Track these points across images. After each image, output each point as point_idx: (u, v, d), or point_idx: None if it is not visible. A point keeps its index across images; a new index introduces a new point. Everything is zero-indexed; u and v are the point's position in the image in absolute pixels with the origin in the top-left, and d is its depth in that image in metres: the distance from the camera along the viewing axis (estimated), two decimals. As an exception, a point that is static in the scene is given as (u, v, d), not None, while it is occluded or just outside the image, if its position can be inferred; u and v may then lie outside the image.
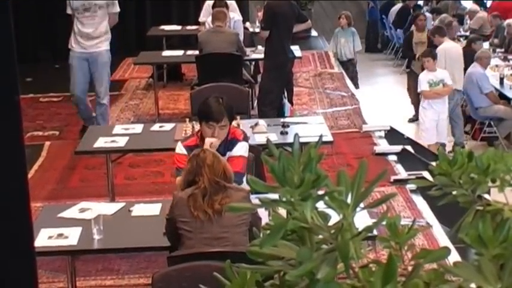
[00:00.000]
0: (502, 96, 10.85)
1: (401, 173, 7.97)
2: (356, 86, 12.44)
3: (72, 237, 4.73)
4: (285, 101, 9.64)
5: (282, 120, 7.10)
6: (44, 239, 4.68)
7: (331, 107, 10.73)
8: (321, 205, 1.24)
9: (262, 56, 9.61)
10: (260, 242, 1.23)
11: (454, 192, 1.36)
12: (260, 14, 11.90)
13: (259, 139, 6.37)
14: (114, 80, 11.64)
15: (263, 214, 4.41)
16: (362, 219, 1.34)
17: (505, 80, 11.11)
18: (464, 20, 16.07)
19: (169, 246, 4.56)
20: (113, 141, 6.63)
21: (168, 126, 7.03)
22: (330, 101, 11.11)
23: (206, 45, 9.36)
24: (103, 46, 8.71)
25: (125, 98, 11.30)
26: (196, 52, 9.75)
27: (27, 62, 11.90)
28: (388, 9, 17.55)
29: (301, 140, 1.29)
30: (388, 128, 9.54)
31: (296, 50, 9.97)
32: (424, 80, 9.67)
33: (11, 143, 1.32)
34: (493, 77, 11.15)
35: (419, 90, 9.87)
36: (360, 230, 1.23)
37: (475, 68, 10.53)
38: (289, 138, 6.52)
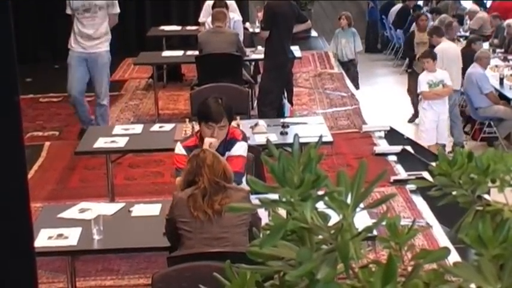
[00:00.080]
0: (502, 97, 10.85)
1: (401, 173, 7.97)
2: (356, 86, 12.44)
3: (72, 237, 4.73)
4: (285, 101, 9.65)
5: (281, 120, 7.10)
6: (43, 239, 4.68)
7: (331, 107, 10.73)
8: (320, 205, 1.24)
9: (262, 56, 9.61)
10: (260, 242, 1.23)
11: (454, 193, 1.36)
12: (260, 14, 11.91)
13: (259, 139, 6.37)
14: (114, 81, 11.65)
15: (263, 214, 4.41)
16: (362, 220, 1.34)
17: (504, 80, 11.11)
18: (464, 21, 16.07)
19: (169, 246, 4.56)
20: (112, 141, 6.63)
21: (168, 127, 7.03)
22: (330, 101, 11.11)
23: (206, 45, 9.36)
24: (103, 47, 8.70)
25: (125, 98, 11.30)
26: (196, 52, 9.75)
27: (27, 62, 11.90)
28: (388, 10, 17.56)
29: (301, 140, 1.29)
30: (388, 129, 9.54)
31: (296, 50, 9.97)
32: (424, 80, 9.67)
33: (11, 143, 1.32)
34: (493, 77, 11.15)
35: (418, 91, 9.87)
36: (359, 230, 1.23)
37: (474, 68, 10.54)
38: (289, 139, 6.52)
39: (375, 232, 1.35)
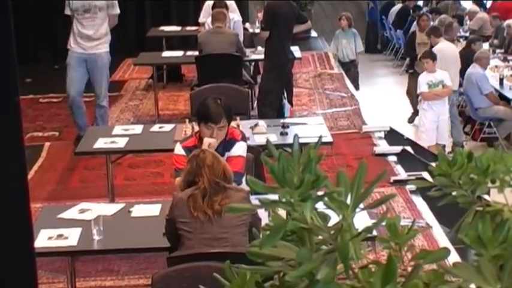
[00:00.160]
0: (502, 97, 10.85)
1: (401, 173, 7.97)
2: (356, 87, 12.45)
3: (72, 237, 4.73)
4: (285, 101, 9.65)
5: (281, 121, 7.10)
6: (43, 239, 4.68)
7: (331, 108, 10.73)
8: (320, 206, 1.24)
9: (262, 56, 9.62)
10: (260, 243, 1.23)
11: (454, 193, 1.36)
12: (260, 14, 11.91)
13: (259, 140, 6.37)
14: (114, 81, 11.66)
15: (263, 215, 4.41)
16: (362, 220, 1.34)
17: (504, 81, 11.11)
18: (464, 21, 16.07)
19: (169, 246, 4.56)
20: (112, 142, 6.63)
21: (167, 127, 7.03)
22: (330, 101, 11.11)
23: (206, 46, 9.37)
24: (103, 48, 8.68)
25: (125, 98, 11.30)
26: (196, 53, 9.75)
27: (27, 62, 11.90)
28: (388, 10, 17.56)
29: (301, 140, 1.29)
30: (388, 129, 9.54)
31: (296, 50, 9.97)
32: (423, 81, 9.67)
33: (11, 144, 1.32)
34: (493, 77, 11.15)
35: (418, 91, 9.87)
36: (359, 230, 1.23)
37: (474, 68, 10.54)
38: (289, 139, 6.52)
39: (374, 232, 1.35)
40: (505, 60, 12.72)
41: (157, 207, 5.16)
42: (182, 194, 4.44)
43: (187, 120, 6.78)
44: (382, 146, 8.93)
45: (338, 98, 11.29)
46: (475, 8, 16.59)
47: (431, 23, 13.09)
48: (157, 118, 9.94)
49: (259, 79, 10.18)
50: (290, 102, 10.14)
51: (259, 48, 10.20)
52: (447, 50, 10.34)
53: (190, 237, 4.38)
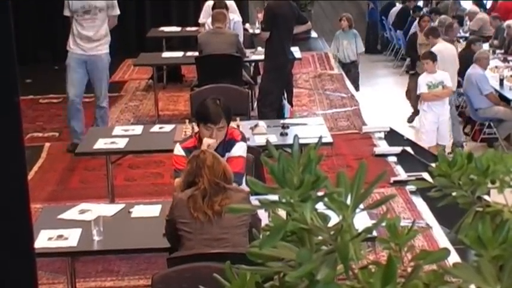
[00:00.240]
0: (502, 98, 10.85)
1: (401, 174, 7.97)
2: (357, 88, 12.45)
3: (72, 238, 4.73)
4: (285, 102, 9.65)
5: (281, 121, 7.10)
6: (43, 240, 4.68)
7: (331, 108, 10.74)
8: (320, 206, 1.24)
9: (262, 57, 9.62)
10: (260, 243, 1.23)
11: (454, 194, 1.36)
12: (260, 15, 11.91)
13: (259, 140, 6.37)
14: (114, 82, 11.66)
15: (263, 215, 4.41)
16: (362, 221, 1.34)
17: (504, 81, 11.11)
18: (464, 21, 16.07)
19: (169, 247, 4.56)
20: (112, 142, 6.63)
21: (167, 128, 7.03)
22: (330, 102, 11.11)
23: (206, 46, 9.37)
24: (103, 49, 8.66)
25: (125, 99, 11.30)
26: (196, 53, 9.76)
27: (27, 63, 11.91)
28: (388, 11, 17.56)
29: (301, 141, 1.29)
30: (388, 129, 9.54)
31: (296, 51, 9.97)
32: (423, 82, 9.66)
33: (11, 144, 1.32)
34: (493, 78, 11.15)
35: (418, 92, 9.87)
36: (359, 231, 1.23)
37: (474, 69, 10.54)
38: (289, 140, 6.52)
39: (374, 233, 1.35)
40: (505, 60, 12.72)
41: (157, 207, 5.16)
42: (182, 194, 4.44)
43: (187, 121, 6.78)
44: (382, 147, 8.94)
45: (338, 98, 11.29)
46: (475, 8, 16.60)
47: (432, 24, 13.10)
48: (157, 119, 9.94)
49: (259, 80, 10.18)
50: (290, 102, 10.14)
51: (259, 48, 10.20)
52: (445, 50, 10.34)
53: (190, 238, 4.38)
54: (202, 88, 8.23)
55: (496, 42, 14.18)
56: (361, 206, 1.26)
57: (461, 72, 10.67)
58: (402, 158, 8.52)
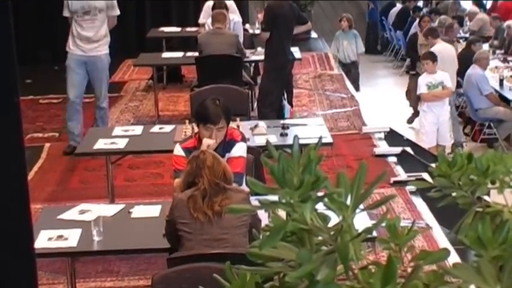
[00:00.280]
0: (502, 98, 10.85)
1: (401, 174, 7.97)
2: (357, 88, 12.45)
3: (71, 238, 4.73)
4: (285, 102, 9.65)
5: (281, 121, 7.10)
6: (43, 240, 4.67)
7: (331, 109, 10.74)
8: (320, 207, 1.24)
9: (262, 57, 9.62)
10: (260, 244, 1.23)
11: (454, 194, 1.36)
12: (260, 15, 11.91)
13: (259, 141, 6.37)
14: (114, 82, 11.66)
15: (263, 216, 4.41)
16: (362, 221, 1.34)
17: (504, 82, 11.11)
18: (464, 22, 16.07)
19: (169, 247, 4.56)
20: (112, 142, 6.63)
21: (167, 128, 7.03)
22: (330, 102, 11.11)
23: (206, 46, 9.37)
24: (102, 50, 8.64)
25: (125, 99, 11.30)
26: (196, 54, 9.76)
27: (27, 63, 11.90)
28: (388, 11, 17.56)
29: (301, 141, 1.29)
30: (388, 130, 9.54)
31: (296, 51, 9.97)
32: (423, 82, 9.66)
33: (11, 145, 1.33)
34: (493, 78, 11.15)
35: (418, 92, 9.87)
36: (359, 231, 1.23)
37: (474, 69, 10.53)
38: (289, 140, 6.52)
39: (374, 233, 1.35)
40: (505, 61, 12.72)
41: (157, 208, 5.16)
42: (182, 195, 4.44)
43: (187, 121, 6.78)
44: (382, 147, 8.94)
45: (338, 98, 11.29)
46: (475, 8, 16.60)
47: (433, 25, 13.10)
48: (157, 119, 9.95)
49: (259, 80, 10.18)
50: (290, 103, 10.14)
51: (259, 49, 10.20)
52: (444, 51, 10.34)
53: (190, 238, 4.38)
54: (202, 88, 8.23)
55: (496, 42, 14.18)
56: (361, 206, 1.26)
57: (461, 73, 10.67)
58: (402, 158, 8.53)
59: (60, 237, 4.75)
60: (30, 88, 11.05)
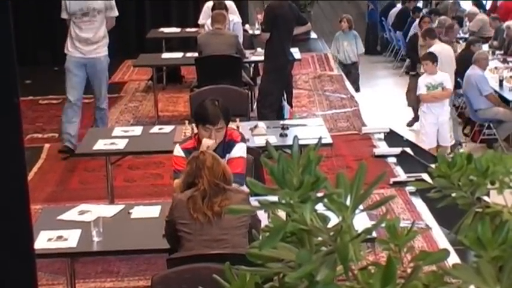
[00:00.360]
0: (502, 99, 10.85)
1: (401, 175, 7.97)
2: (357, 89, 12.45)
3: (71, 239, 4.73)
4: (285, 103, 9.65)
5: (281, 122, 7.11)
6: (43, 241, 4.67)
7: (331, 109, 10.74)
8: (320, 207, 1.24)
9: (261, 58, 9.62)
10: (259, 244, 1.23)
11: (454, 195, 1.36)
12: (260, 16, 11.92)
13: (259, 141, 6.37)
14: (114, 82, 11.66)
15: (262, 216, 4.41)
16: (361, 221, 1.34)
17: (504, 82, 11.11)
18: (463, 22, 16.07)
19: (169, 248, 4.56)
20: (112, 143, 6.63)
21: (167, 129, 7.03)
22: (329, 103, 11.12)
23: (205, 47, 9.37)
24: (102, 52, 8.60)
25: (125, 100, 11.30)
26: (196, 54, 9.76)
27: (27, 64, 11.90)
28: (387, 11, 17.56)
29: (301, 142, 1.29)
30: (388, 130, 9.54)
31: (295, 52, 9.97)
32: (423, 83, 9.66)
33: (11, 145, 1.33)
34: (492, 79, 11.15)
35: (417, 93, 9.87)
36: (359, 232, 1.23)
37: (473, 70, 10.53)
38: (289, 141, 6.52)
39: (374, 234, 1.35)
40: (504, 61, 12.72)
41: (157, 208, 5.16)
42: (182, 195, 4.44)
43: (186, 122, 6.78)
44: (382, 148, 8.94)
45: (338, 99, 11.29)
46: (475, 9, 16.60)
47: (433, 25, 13.10)
48: (156, 120, 9.95)
49: (258, 81, 10.18)
50: (290, 103, 10.14)
51: (259, 49, 10.20)
52: (442, 51, 10.33)
53: (190, 239, 4.38)
54: (201, 89, 8.23)
55: (495, 43, 14.18)
56: (361, 207, 1.26)
57: (461, 73, 10.67)
58: (402, 159, 8.53)
59: (59, 237, 4.75)
60: (30, 89, 11.04)
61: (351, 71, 12.92)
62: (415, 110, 11.16)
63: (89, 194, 7.46)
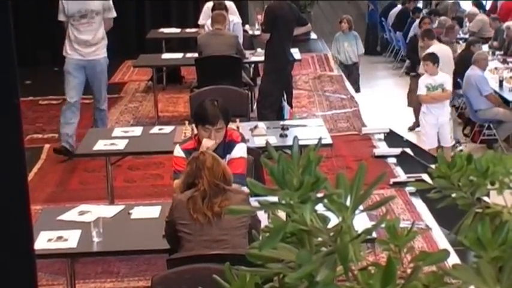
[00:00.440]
0: (502, 99, 10.85)
1: (401, 175, 7.98)
2: (357, 89, 12.45)
3: (71, 239, 4.73)
4: (285, 103, 9.65)
5: (281, 123, 7.10)
6: (43, 241, 4.67)
7: (331, 110, 10.74)
8: (320, 208, 1.24)
9: (261, 58, 9.62)
10: (259, 245, 1.23)
11: (453, 195, 1.36)
12: (260, 16, 11.92)
13: (259, 142, 6.37)
14: (114, 83, 11.67)
15: (262, 217, 4.41)
16: (361, 222, 1.34)
17: (504, 83, 11.11)
18: (463, 23, 16.08)
19: (169, 248, 4.56)
20: (112, 143, 6.63)
21: (167, 129, 7.03)
22: (329, 103, 11.12)
23: (205, 47, 9.37)
24: (101, 53, 8.55)
25: (125, 100, 11.30)
26: (196, 55, 9.76)
27: (27, 64, 11.90)
28: (387, 12, 17.56)
29: (301, 142, 1.29)
30: (388, 131, 9.54)
31: (295, 52, 9.97)
32: (423, 83, 9.65)
33: (11, 146, 1.33)
34: (492, 79, 11.15)
35: (417, 93, 9.86)
36: (359, 232, 1.23)
37: (473, 70, 10.53)
38: (289, 141, 6.51)
39: (374, 234, 1.35)
40: (504, 62, 12.72)
41: (157, 209, 5.16)
42: (182, 196, 4.44)
43: (186, 122, 6.78)
44: (382, 148, 8.94)
45: (338, 99, 11.29)
46: (475, 9, 16.60)
47: (433, 26, 13.11)
48: (156, 120, 9.95)
49: (258, 81, 10.19)
50: (290, 104, 10.14)
51: (259, 50, 10.20)
52: (441, 52, 10.33)
53: (190, 239, 4.38)
54: (201, 89, 8.22)
55: (495, 43, 14.18)
56: (361, 207, 1.26)
57: (461, 74, 10.67)
58: (402, 159, 8.53)
59: (59, 238, 4.75)
60: (29, 89, 11.04)
61: (352, 71, 12.92)
62: (417, 112, 11.14)
63: (89, 194, 7.46)
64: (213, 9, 10.16)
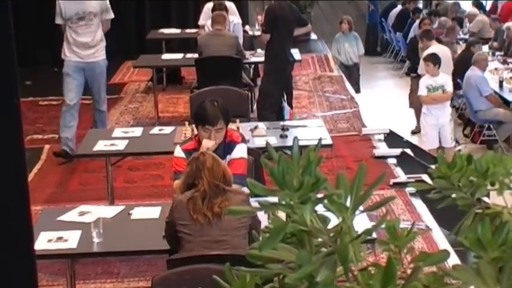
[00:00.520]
0: (502, 100, 10.84)
1: (401, 176, 7.98)
2: (358, 90, 12.45)
3: (71, 240, 4.73)
4: (285, 104, 9.65)
5: (281, 123, 7.10)
6: (43, 242, 4.67)
7: (331, 110, 10.74)
8: (320, 208, 1.24)
9: (261, 59, 9.62)
10: (259, 245, 1.23)
11: (454, 195, 1.36)
12: (260, 17, 11.92)
13: (259, 142, 6.37)
14: (114, 83, 11.68)
15: (262, 217, 4.41)
16: (361, 222, 1.34)
17: (504, 83, 11.11)
18: (463, 23, 16.08)
19: (169, 249, 4.56)
20: (112, 144, 6.63)
21: (167, 130, 7.03)
22: (330, 104, 11.12)
23: (206, 48, 9.37)
24: (100, 55, 8.52)
25: (125, 101, 11.30)
26: (196, 55, 9.76)
27: (27, 65, 11.90)
28: (387, 12, 17.56)
29: (301, 143, 1.29)
30: (388, 131, 9.54)
31: (296, 53, 9.97)
32: (423, 84, 9.65)
33: (11, 146, 1.33)
34: (492, 80, 11.15)
35: (418, 94, 9.86)
36: (359, 233, 1.23)
37: (473, 71, 10.53)
38: (289, 142, 6.51)
39: (374, 235, 1.35)
40: (504, 62, 12.72)
41: (157, 209, 5.16)
42: (182, 196, 4.44)
43: (186, 123, 6.78)
44: (382, 149, 8.94)
45: (338, 100, 11.29)
46: (475, 10, 16.60)
47: (434, 27, 13.11)
48: (157, 120, 9.95)
49: (259, 82, 10.19)
50: (290, 104, 10.14)
51: (259, 50, 10.20)
52: (440, 52, 10.33)
53: (190, 240, 4.38)
54: (201, 90, 8.22)
55: (495, 44, 14.18)
56: (361, 207, 1.26)
57: (461, 74, 10.67)
58: (402, 160, 8.53)
59: (59, 238, 4.75)
60: (30, 90, 11.04)
61: (353, 72, 12.92)
62: (418, 114, 11.11)
63: (89, 195, 7.46)
64: (213, 9, 10.16)
